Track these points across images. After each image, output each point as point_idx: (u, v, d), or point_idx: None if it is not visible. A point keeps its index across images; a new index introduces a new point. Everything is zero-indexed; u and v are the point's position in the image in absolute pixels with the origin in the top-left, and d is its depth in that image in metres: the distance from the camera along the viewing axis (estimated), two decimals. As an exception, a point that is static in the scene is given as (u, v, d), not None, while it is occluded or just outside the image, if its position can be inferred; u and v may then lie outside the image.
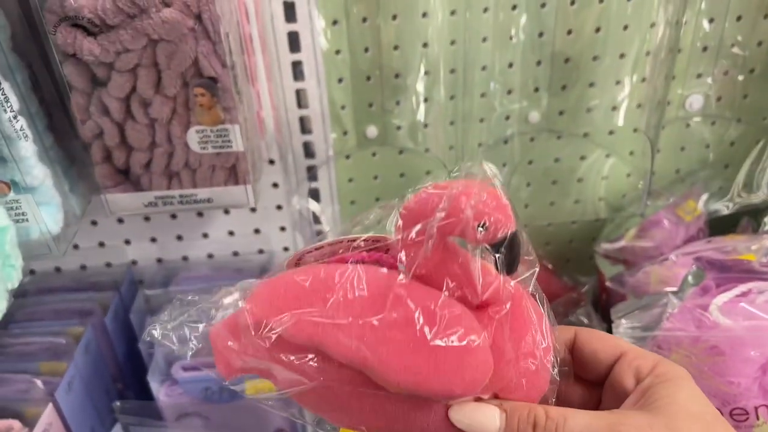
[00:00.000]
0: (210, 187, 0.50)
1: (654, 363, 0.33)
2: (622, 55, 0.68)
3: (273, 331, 0.32)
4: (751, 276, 0.58)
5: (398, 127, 0.70)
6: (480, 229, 0.30)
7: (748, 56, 0.70)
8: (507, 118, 0.72)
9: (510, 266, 0.31)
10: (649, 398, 0.31)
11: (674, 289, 0.59)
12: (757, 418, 0.55)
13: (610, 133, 0.74)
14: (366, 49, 0.66)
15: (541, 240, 0.82)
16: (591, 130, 0.73)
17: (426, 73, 0.66)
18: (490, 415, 0.31)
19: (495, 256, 0.31)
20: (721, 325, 0.55)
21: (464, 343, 0.30)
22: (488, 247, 0.31)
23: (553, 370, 0.34)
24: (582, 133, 0.73)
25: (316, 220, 0.76)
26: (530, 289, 0.34)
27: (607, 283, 0.67)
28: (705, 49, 0.70)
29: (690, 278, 0.59)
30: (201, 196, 0.51)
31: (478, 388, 0.30)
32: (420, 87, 0.66)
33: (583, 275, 0.81)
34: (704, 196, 0.74)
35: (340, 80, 0.68)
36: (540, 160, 0.76)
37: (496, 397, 0.32)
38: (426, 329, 0.30)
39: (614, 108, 0.71)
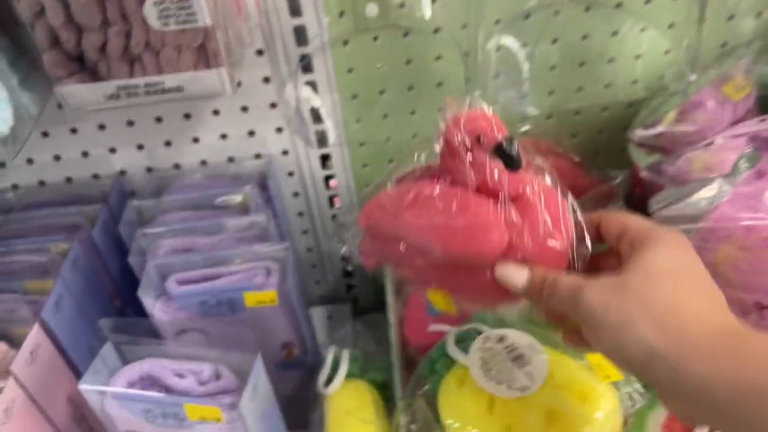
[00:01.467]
0: (177, 72, 0.43)
1: (647, 232, 0.36)
2: None
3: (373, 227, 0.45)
4: None
5: (401, 5, 0.61)
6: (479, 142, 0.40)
7: None
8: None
9: (513, 162, 0.40)
10: (625, 262, 0.36)
11: (722, 174, 0.51)
12: None
13: (647, 2, 0.64)
14: None
15: (567, 130, 0.74)
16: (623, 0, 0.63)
17: (431, -67, 0.56)
18: (521, 272, 0.39)
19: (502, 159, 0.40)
20: None
21: (474, 220, 0.40)
22: (494, 153, 0.40)
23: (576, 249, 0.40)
24: (613, 3, 0.64)
25: (316, 117, 0.68)
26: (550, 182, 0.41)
27: (643, 173, 0.60)
28: None
29: (743, 161, 0.52)
30: (169, 84, 0.43)
31: (493, 250, 0.40)
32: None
33: (614, 169, 0.73)
34: (755, 72, 0.65)
35: (330, -51, 0.58)
36: (565, 38, 0.66)
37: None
38: (453, 211, 0.40)
39: (653, -31, 0.61)
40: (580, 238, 0.40)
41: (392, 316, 0.67)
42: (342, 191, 0.75)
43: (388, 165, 0.74)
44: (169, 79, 0.43)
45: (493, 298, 0.42)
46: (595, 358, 0.53)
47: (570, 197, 0.41)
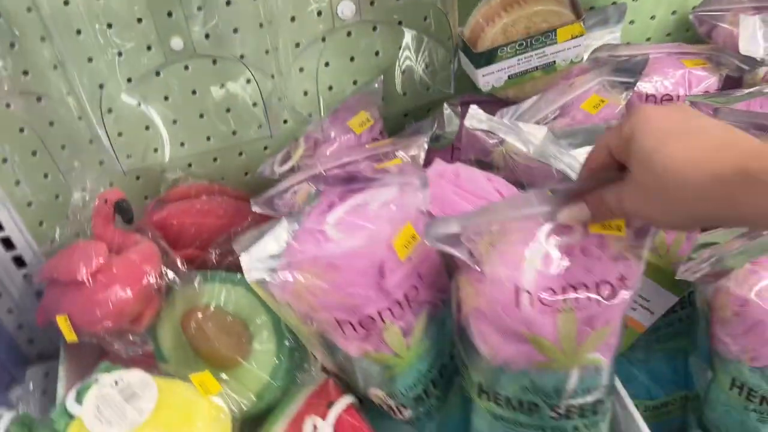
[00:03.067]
0: None
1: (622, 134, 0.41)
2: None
3: None
4: (367, 185, 0.58)
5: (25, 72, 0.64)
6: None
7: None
8: (319, 14, 0.68)
9: (126, 215, 0.65)
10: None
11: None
12: (383, 322, 0.55)
13: (267, 52, 0.71)
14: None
15: (237, 168, 0.80)
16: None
17: None
18: (581, 207, 0.47)
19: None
20: (335, 241, 0.55)
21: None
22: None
23: None
24: (237, 55, 0.70)
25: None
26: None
27: (254, 208, 0.65)
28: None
29: (307, 201, 0.58)
30: None
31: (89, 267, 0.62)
32: None
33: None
34: (378, 104, 0.74)
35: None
36: (201, 89, 0.72)
37: None
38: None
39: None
40: None
41: (62, 370, 0.69)
42: (24, 251, 0.76)
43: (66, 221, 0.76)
44: None
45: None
46: (198, 378, 0.58)
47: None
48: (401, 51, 0.71)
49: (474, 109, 0.61)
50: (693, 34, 0.80)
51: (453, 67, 0.69)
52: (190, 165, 0.77)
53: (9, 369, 0.82)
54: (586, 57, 0.72)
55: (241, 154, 0.79)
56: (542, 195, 0.49)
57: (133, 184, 0.76)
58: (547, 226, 0.49)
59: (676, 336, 0.67)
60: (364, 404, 0.63)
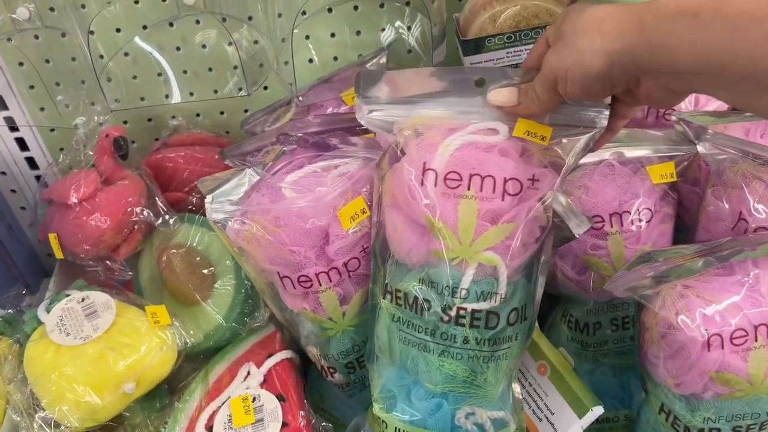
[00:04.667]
0: None
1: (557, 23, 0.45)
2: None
3: None
4: (335, 153, 0.60)
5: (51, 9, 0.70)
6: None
7: None
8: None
9: (122, 151, 0.71)
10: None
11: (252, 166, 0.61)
12: (320, 284, 0.58)
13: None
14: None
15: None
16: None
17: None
18: (511, 90, 0.48)
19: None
20: (288, 199, 0.58)
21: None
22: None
23: None
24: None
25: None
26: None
27: (226, 161, 0.69)
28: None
29: (275, 156, 0.61)
30: None
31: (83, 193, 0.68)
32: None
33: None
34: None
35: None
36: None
37: None
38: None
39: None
40: None
41: (52, 282, 0.76)
42: (50, 177, 0.84)
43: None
44: None
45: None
46: (152, 310, 0.63)
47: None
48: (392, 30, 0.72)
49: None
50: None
51: (431, 51, 0.70)
52: (198, 115, 0.82)
53: (26, 278, 0.90)
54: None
55: (246, 111, 0.82)
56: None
57: (144, 125, 0.82)
58: (475, 126, 0.50)
59: (625, 353, 0.66)
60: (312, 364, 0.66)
